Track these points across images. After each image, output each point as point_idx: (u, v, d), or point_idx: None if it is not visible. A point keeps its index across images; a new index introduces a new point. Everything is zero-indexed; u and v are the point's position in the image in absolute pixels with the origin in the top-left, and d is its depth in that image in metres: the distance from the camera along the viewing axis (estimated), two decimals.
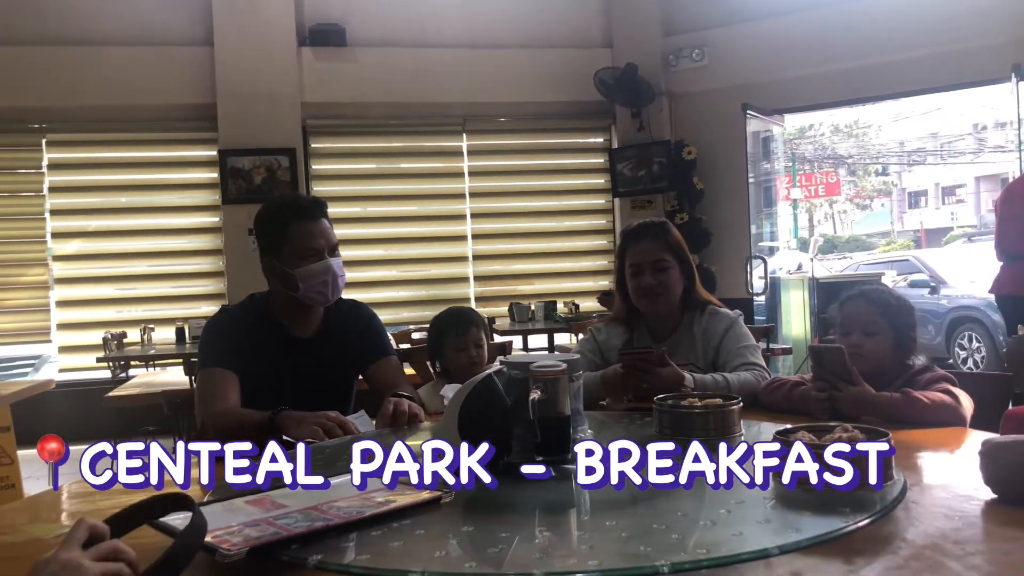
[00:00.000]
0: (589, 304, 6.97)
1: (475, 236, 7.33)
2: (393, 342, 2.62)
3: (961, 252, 13.24)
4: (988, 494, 1.22)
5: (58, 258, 6.67)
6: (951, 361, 8.29)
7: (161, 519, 1.10)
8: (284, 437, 1.84)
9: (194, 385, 2.50)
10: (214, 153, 6.67)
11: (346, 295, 2.34)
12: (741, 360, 2.25)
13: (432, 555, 1.08)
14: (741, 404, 1.64)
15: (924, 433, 1.70)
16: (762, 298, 6.73)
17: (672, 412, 1.66)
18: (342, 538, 1.12)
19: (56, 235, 6.65)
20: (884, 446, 1.20)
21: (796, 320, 6.86)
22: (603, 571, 0.96)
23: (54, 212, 6.63)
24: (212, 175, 6.74)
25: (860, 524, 1.08)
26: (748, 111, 6.53)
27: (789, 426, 1.36)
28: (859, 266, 14.01)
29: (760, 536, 1.07)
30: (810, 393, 1.91)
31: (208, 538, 1.09)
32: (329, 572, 1.02)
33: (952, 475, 1.45)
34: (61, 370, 6.52)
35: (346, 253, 2.30)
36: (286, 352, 2.22)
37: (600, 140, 7.59)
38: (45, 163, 6.62)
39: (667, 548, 1.03)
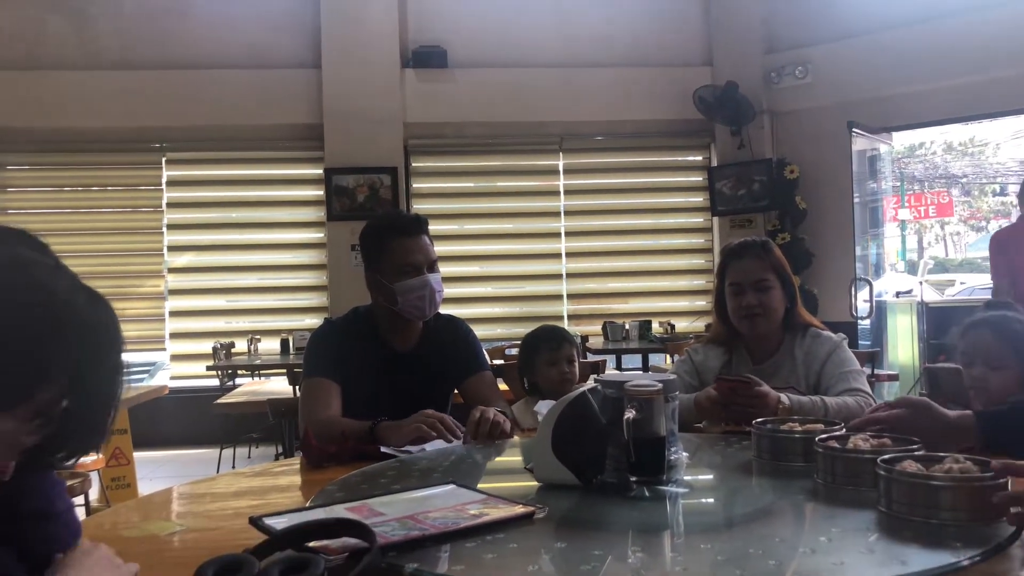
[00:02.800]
0: (685, 324, 6.87)
1: (570, 254, 7.34)
2: (488, 358, 2.64)
3: None
4: None
5: (173, 270, 7.02)
6: None
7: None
8: (383, 450, 1.89)
9: (297, 394, 2.59)
10: (320, 171, 6.91)
11: (443, 310, 2.38)
12: (844, 385, 2.18)
13: (525, 569, 1.09)
14: (843, 430, 1.59)
15: None
16: (867, 322, 6.48)
17: (771, 437, 1.63)
18: (436, 548, 1.14)
19: (171, 248, 7.01)
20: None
21: (903, 346, 6.58)
22: None
23: (171, 227, 7.00)
24: (318, 192, 6.98)
25: (972, 560, 1.03)
26: (854, 129, 6.32)
27: (891, 455, 1.31)
28: (973, 290, 13.32)
29: (863, 567, 1.03)
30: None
31: (311, 543, 1.13)
32: None
33: None
34: (172, 377, 6.85)
35: (444, 269, 2.34)
36: (385, 365, 2.27)
37: (699, 158, 7.49)
38: (164, 180, 7.00)
39: (763, 575, 1.01)
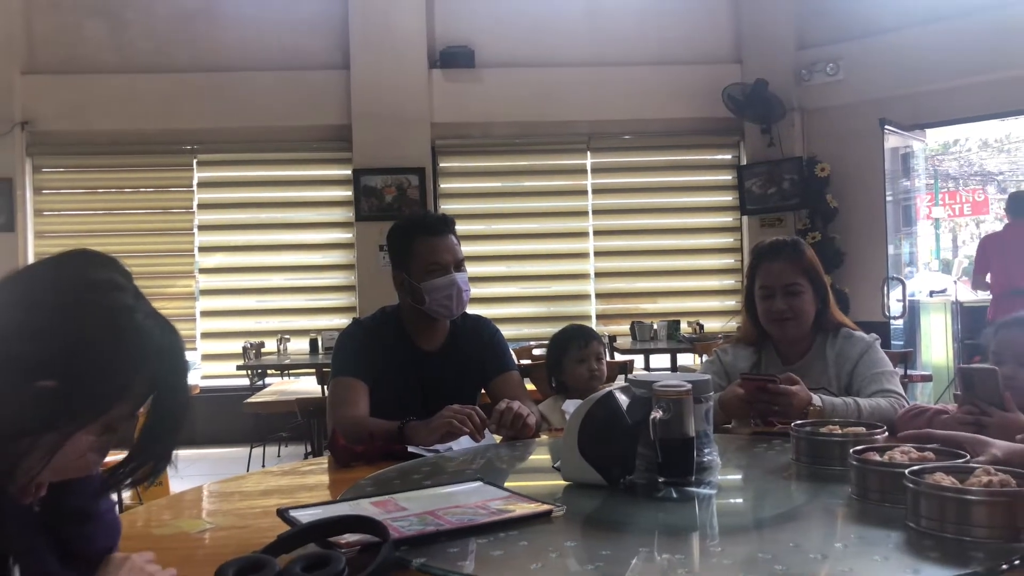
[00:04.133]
0: (714, 324, 6.82)
1: (598, 253, 7.31)
2: (515, 358, 2.64)
3: None
4: None
5: (204, 271, 7.10)
6: None
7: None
8: (410, 449, 1.89)
9: (326, 393, 2.60)
10: (348, 172, 6.96)
11: (470, 310, 2.38)
12: (877, 386, 2.15)
13: (528, 567, 1.09)
14: (885, 433, 1.56)
15: None
16: (900, 322, 6.38)
17: (810, 439, 1.60)
18: (450, 543, 1.15)
19: (202, 249, 7.09)
20: None
21: (937, 346, 6.48)
22: None
23: (201, 227, 7.08)
24: (346, 193, 7.02)
25: (989, 572, 0.99)
26: (886, 126, 6.24)
27: (919, 466, 1.27)
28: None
29: (870, 574, 1.01)
30: (953, 421, 1.79)
31: (333, 538, 1.14)
32: (429, 575, 1.05)
33: None
34: (203, 377, 6.93)
35: (471, 269, 2.35)
36: (413, 365, 2.28)
37: (728, 157, 7.43)
38: (195, 182, 7.09)
39: None
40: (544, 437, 2.11)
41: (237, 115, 6.86)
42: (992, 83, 6.07)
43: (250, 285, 7.09)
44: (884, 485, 1.28)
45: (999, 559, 1.02)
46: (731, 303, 7.19)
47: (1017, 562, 1.02)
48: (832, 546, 1.15)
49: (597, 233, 7.31)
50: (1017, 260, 5.89)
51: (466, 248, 2.38)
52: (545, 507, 1.28)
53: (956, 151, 21.84)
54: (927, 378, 5.31)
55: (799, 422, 1.67)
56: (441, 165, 7.18)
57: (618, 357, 5.46)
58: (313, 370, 5.51)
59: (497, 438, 2.07)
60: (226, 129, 6.93)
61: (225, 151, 7.12)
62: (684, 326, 6.46)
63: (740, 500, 1.55)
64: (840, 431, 1.59)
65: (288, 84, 6.89)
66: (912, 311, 6.52)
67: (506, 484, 1.51)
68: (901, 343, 6.21)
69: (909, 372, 4.24)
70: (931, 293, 6.85)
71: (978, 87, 6.15)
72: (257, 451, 5.75)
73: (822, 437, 1.58)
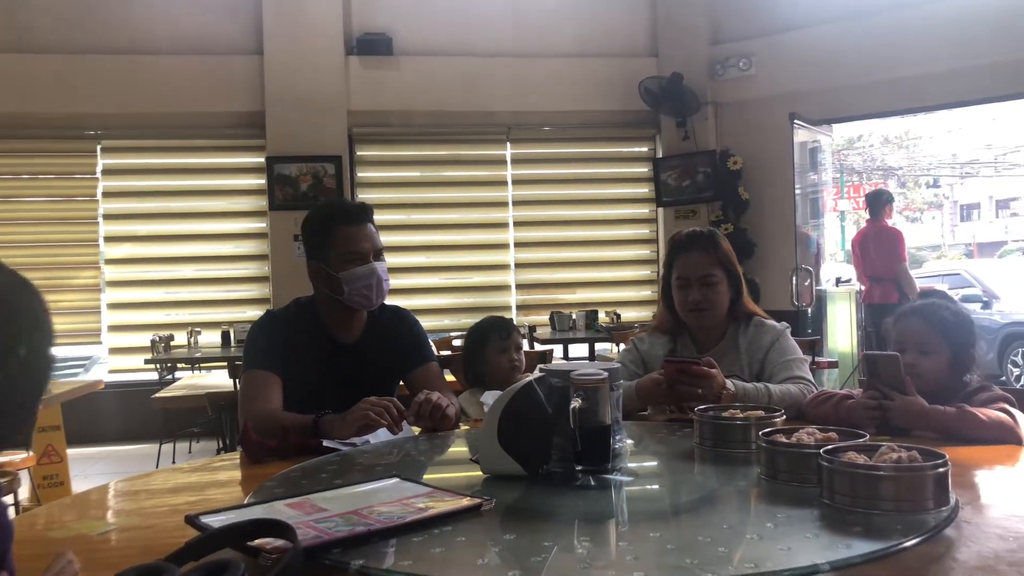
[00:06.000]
0: (631, 314, 6.93)
1: (518, 244, 7.33)
2: (435, 349, 2.62)
3: (1016, 266, 12.89)
4: None
5: (110, 262, 6.82)
6: (1004, 378, 8.06)
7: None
8: (325, 443, 1.85)
9: (238, 387, 2.53)
10: (262, 160, 6.78)
11: (388, 301, 2.35)
12: (787, 373, 2.21)
13: (475, 562, 1.07)
14: (784, 416, 1.61)
15: (978, 451, 1.65)
16: (808, 311, 6.61)
17: (713, 423, 1.64)
18: (383, 543, 1.12)
19: (108, 239, 6.81)
20: (940, 464, 1.16)
21: (843, 333, 6.73)
22: None
23: (107, 216, 6.79)
24: (260, 181, 6.84)
25: (912, 543, 1.05)
26: (795, 120, 6.43)
27: (833, 445, 1.32)
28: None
29: (809, 552, 1.04)
30: (858, 405, 1.86)
31: (253, 542, 1.10)
32: None
33: (1008, 494, 1.40)
34: (111, 371, 6.67)
35: (389, 260, 2.31)
36: (329, 357, 2.23)
37: (644, 149, 7.55)
38: (99, 168, 6.79)
39: (713, 561, 1.01)
40: (464, 428, 2.10)
41: (144, 100, 6.59)
42: (895, 81, 6.33)
43: (159, 276, 6.84)
44: (793, 465, 1.33)
45: (918, 529, 1.08)
46: (647, 293, 7.32)
47: (931, 532, 1.09)
48: (764, 526, 1.18)
49: (517, 224, 7.33)
50: (876, 253, 6.68)
51: (385, 238, 2.33)
52: (474, 501, 1.26)
53: (860, 146, 22.76)
54: (833, 364, 5.52)
55: (702, 407, 1.70)
56: (359, 153, 7.07)
57: (537, 347, 5.50)
58: (225, 363, 5.37)
59: (416, 430, 2.05)
60: (132, 114, 6.66)
61: (131, 137, 6.85)
62: (602, 316, 6.55)
63: (657, 486, 1.57)
64: (742, 415, 1.63)
65: (198, 68, 6.65)
66: (820, 300, 6.76)
67: (424, 478, 1.49)
68: (809, 331, 6.42)
69: (817, 359, 4.40)
70: (837, 282, 7.11)
71: (882, 84, 6.40)
72: (167, 447, 5.57)
73: (725, 421, 1.62)
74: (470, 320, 2.97)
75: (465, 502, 1.27)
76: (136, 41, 6.63)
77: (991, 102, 6.78)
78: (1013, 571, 0.98)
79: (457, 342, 5.05)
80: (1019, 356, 8.27)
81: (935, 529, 1.10)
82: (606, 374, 1.47)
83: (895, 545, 1.04)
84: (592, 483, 1.42)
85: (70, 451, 4.40)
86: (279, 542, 1.09)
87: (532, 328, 6.54)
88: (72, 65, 6.49)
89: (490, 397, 1.98)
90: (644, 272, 7.46)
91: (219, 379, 4.75)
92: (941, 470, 1.18)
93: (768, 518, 1.21)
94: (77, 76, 6.49)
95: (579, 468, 1.45)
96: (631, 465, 1.57)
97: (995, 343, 8.43)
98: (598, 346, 6.29)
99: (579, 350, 6.53)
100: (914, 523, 1.11)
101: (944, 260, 21.25)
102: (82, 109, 6.57)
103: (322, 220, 2.25)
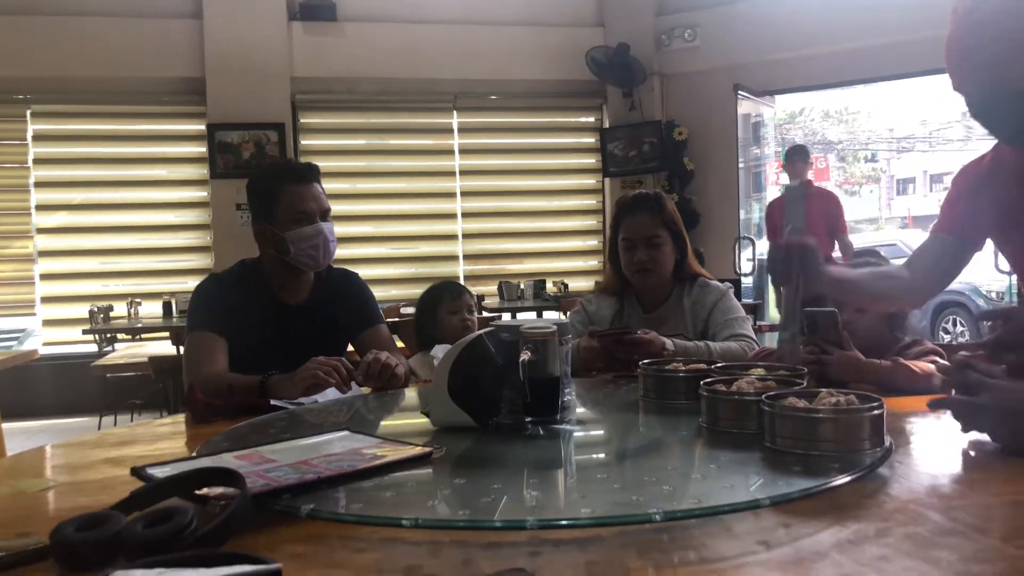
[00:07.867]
0: (579, 284, 6.98)
1: (465, 214, 7.31)
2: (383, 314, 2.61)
3: None
4: (972, 456, 1.25)
5: (42, 231, 6.61)
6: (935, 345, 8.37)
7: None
8: (273, 402, 1.84)
9: (182, 352, 2.49)
10: (202, 127, 6.62)
11: None
12: (730, 331, 2.26)
13: (425, 504, 1.09)
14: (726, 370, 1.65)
15: (911, 400, 1.71)
16: (750, 279, 6.76)
17: (657, 376, 1.67)
18: (333, 490, 1.12)
19: (40, 208, 6.59)
20: (876, 406, 1.21)
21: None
22: (596, 519, 0.96)
23: (38, 184, 6.57)
24: (200, 149, 6.69)
25: (847, 480, 1.09)
26: (739, 92, 6.52)
27: (775, 391, 1.37)
28: None
29: (750, 489, 1.08)
30: (799, 359, 1.91)
31: (200, 491, 1.09)
32: (322, 521, 1.02)
33: (937, 439, 1.46)
34: (45, 344, 6.48)
35: (336, 230, 2.28)
36: (275, 318, 2.20)
37: (591, 120, 7.57)
38: (30, 134, 6.56)
39: (659, 498, 1.04)
40: (412, 389, 2.10)
41: (77, 63, 6.37)
42: (836, 53, 6.45)
43: (95, 246, 6.66)
44: (735, 413, 1.37)
45: (854, 467, 1.13)
46: (594, 263, 7.37)
47: (867, 470, 1.14)
48: (708, 467, 1.22)
49: (464, 194, 7.30)
50: (814, 213, 6.45)
51: (331, 207, 2.31)
52: (424, 450, 1.27)
53: (801, 120, 23.15)
54: (775, 328, 5.65)
55: (647, 361, 1.74)
56: (302, 121, 6.96)
57: (486, 315, 5.51)
58: (167, 333, 5.27)
59: (365, 390, 2.04)
60: (65, 78, 6.43)
61: (64, 102, 6.62)
62: (550, 286, 6.59)
63: (603, 433, 1.61)
64: (684, 368, 1.67)
65: (135, 31, 6.45)
66: (761, 269, 6.91)
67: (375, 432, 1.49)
68: (751, 300, 6.57)
69: (759, 323, 4.50)
70: None
71: (823, 57, 6.52)
72: (108, 420, 5.45)
73: (668, 374, 1.66)
74: (418, 290, 2.97)
75: (416, 450, 1.27)
76: (69, 2, 6.38)
77: (924, 75, 6.95)
78: (941, 503, 1.03)
79: (406, 309, 5.04)
80: (950, 323, 8.60)
81: (870, 467, 1.15)
82: (555, 327, 1.49)
83: (830, 482, 1.08)
84: (541, 433, 1.44)
85: (5, 425, 4.28)
86: (228, 490, 1.08)
87: (480, 298, 6.54)
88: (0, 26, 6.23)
89: (441, 351, 1.99)
90: (591, 242, 7.52)
91: (161, 349, 4.65)
92: (876, 412, 1.22)
93: (712, 460, 1.25)
94: (5, 37, 6.24)
95: (529, 420, 1.46)
96: (579, 416, 1.60)
97: (928, 311, 8.75)
98: (546, 315, 6.33)
99: (528, 318, 6.57)
100: (851, 462, 1.16)
101: (881, 231, 21.86)
102: (9, 72, 6.33)
103: (268, 180, 2.22)
